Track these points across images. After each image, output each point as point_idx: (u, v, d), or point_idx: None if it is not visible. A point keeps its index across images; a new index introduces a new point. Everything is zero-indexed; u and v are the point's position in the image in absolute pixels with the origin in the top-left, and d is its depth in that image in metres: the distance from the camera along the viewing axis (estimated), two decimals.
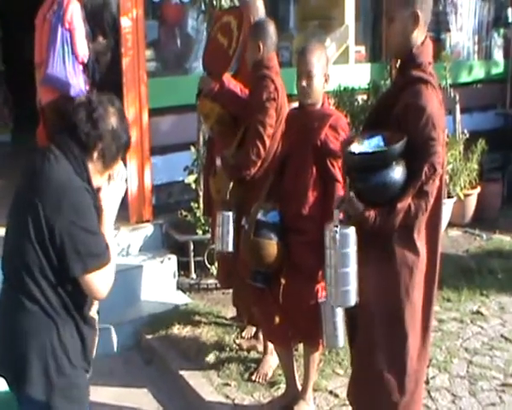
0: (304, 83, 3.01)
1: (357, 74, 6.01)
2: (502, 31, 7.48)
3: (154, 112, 4.93)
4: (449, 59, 5.86)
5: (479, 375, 3.70)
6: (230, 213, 3.51)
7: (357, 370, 2.70)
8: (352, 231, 2.35)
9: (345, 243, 2.34)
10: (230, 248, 3.55)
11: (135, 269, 4.62)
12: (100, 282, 2.16)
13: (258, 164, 3.42)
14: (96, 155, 2.18)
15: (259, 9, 3.89)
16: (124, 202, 4.84)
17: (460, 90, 6.22)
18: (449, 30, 6.92)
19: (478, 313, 4.43)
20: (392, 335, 2.52)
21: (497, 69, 7.34)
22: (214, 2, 4.43)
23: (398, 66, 2.58)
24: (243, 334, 4.14)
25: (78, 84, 4.70)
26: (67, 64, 4.63)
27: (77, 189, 2.10)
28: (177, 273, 4.79)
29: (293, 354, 3.40)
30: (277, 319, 3.24)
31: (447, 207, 5.56)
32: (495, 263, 5.10)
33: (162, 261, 4.70)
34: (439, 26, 6.83)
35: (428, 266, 2.54)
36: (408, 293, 2.49)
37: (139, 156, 4.83)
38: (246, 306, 3.81)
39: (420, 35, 2.43)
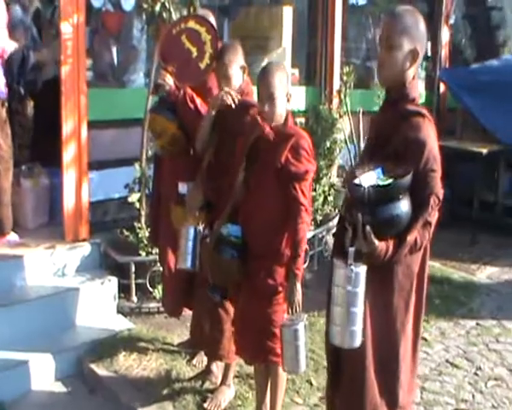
0: (266, 107, 2.93)
1: (294, 97, 5.95)
2: (424, 64, 7.81)
3: (92, 124, 4.65)
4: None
5: (433, 401, 3.77)
6: (198, 228, 3.36)
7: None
8: (364, 270, 2.30)
9: (357, 281, 2.28)
10: (196, 267, 3.39)
11: (72, 291, 4.32)
12: None
13: None
14: None
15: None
16: (59, 219, 4.62)
17: None
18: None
19: (422, 338, 4.49)
20: (386, 371, 2.49)
21: (421, 100, 7.61)
22: (164, 15, 4.25)
23: (387, 97, 2.53)
24: (194, 361, 3.96)
25: None
26: None
27: None
28: (117, 296, 4.52)
29: (267, 374, 3.26)
30: (238, 336, 3.20)
31: None
32: (430, 289, 5.19)
33: (102, 283, 4.41)
34: (369, 54, 7.02)
35: (417, 297, 2.54)
36: (404, 326, 2.48)
37: (77, 171, 4.53)
38: (201, 329, 3.65)
39: (413, 71, 2.43)
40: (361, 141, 6.22)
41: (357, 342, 2.35)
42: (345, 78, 5.84)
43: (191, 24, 3.60)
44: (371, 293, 2.36)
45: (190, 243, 3.34)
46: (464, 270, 5.95)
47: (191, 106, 3.51)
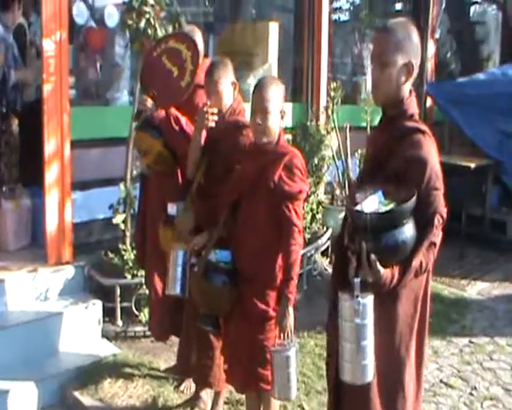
0: (259, 120, 2.83)
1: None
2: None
3: (75, 144, 4.53)
4: (369, 102, 5.96)
5: None
6: (184, 252, 3.22)
7: None
8: (371, 300, 2.19)
9: (365, 313, 2.17)
10: (186, 294, 3.25)
11: (55, 316, 4.17)
12: None
13: None
14: None
15: (198, 42, 3.68)
16: (41, 241, 4.48)
17: None
18: (364, 74, 7.10)
19: None
20: (391, 400, 2.38)
21: None
22: (149, 32, 4.16)
23: (384, 115, 2.44)
24: (181, 388, 3.84)
25: None
26: None
27: None
28: (101, 320, 4.38)
29: (258, 401, 3.14)
30: (228, 364, 3.09)
31: None
32: None
33: (87, 307, 4.28)
34: (355, 69, 6.99)
35: (420, 319, 2.43)
36: (408, 352, 2.38)
37: (59, 191, 4.40)
38: (189, 355, 3.53)
39: (409, 85, 2.35)
40: (348, 157, 6.16)
41: (370, 377, 2.24)
42: (332, 93, 5.79)
43: (171, 43, 3.54)
44: (374, 321, 2.25)
45: (179, 269, 3.20)
46: (455, 286, 5.89)
47: (176, 127, 3.43)
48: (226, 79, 3.25)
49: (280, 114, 2.90)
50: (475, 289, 5.93)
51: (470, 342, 4.78)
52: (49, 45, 4.27)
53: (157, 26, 4.09)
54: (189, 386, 3.83)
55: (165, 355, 4.26)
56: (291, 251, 2.81)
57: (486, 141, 6.83)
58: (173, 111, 3.44)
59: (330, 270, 5.88)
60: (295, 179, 2.84)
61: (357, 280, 2.17)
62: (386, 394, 2.37)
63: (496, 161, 6.94)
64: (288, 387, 2.80)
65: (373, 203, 2.21)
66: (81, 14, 5.05)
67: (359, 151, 6.00)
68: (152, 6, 4.08)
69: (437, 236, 2.27)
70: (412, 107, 2.36)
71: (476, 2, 10.14)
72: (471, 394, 4.05)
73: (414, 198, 2.16)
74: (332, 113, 5.83)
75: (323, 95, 6.21)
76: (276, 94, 2.87)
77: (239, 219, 2.96)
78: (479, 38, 9.31)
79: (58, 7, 4.25)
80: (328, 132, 5.83)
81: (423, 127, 2.33)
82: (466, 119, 6.91)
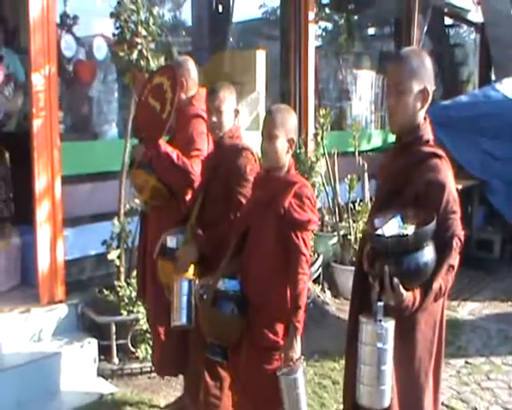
0: (265, 144, 2.83)
1: None
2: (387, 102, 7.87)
3: (65, 179, 4.46)
4: (357, 128, 6.00)
5: None
6: (192, 282, 3.15)
7: None
8: (392, 325, 2.19)
9: (387, 337, 2.17)
10: (192, 323, 3.17)
11: (50, 357, 4.06)
12: None
13: None
14: None
15: (191, 71, 3.69)
16: (32, 280, 4.38)
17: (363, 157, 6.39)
18: (350, 99, 7.16)
19: None
20: None
21: (391, 138, 7.67)
22: (141, 63, 4.13)
23: (399, 142, 2.45)
24: None
25: None
26: None
27: None
28: (97, 359, 4.29)
29: None
30: (237, 395, 3.04)
31: None
32: None
33: (82, 346, 4.18)
34: (341, 95, 7.04)
35: (438, 343, 2.43)
36: (427, 377, 2.38)
37: (51, 229, 4.32)
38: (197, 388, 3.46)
39: (424, 111, 2.38)
40: (337, 183, 6.19)
41: (388, 402, 2.23)
42: (321, 120, 5.81)
43: (156, 80, 3.55)
44: (394, 346, 2.25)
45: (184, 298, 3.12)
46: (446, 307, 5.89)
47: (165, 164, 3.41)
48: (230, 102, 3.23)
49: (288, 143, 2.86)
50: (466, 310, 5.97)
51: (466, 362, 4.78)
52: (38, 80, 4.21)
53: (149, 57, 4.05)
54: None
55: (164, 392, 4.18)
56: (298, 280, 2.77)
57: (471, 162, 6.92)
58: (163, 147, 3.41)
59: (323, 297, 5.87)
60: (305, 209, 2.81)
61: (380, 304, 2.16)
62: None
63: (481, 182, 7.02)
64: (299, 409, 2.76)
65: (393, 227, 2.22)
66: (70, 47, 5.01)
67: (349, 176, 6.04)
68: (144, 37, 4.04)
69: (455, 258, 2.28)
70: (428, 132, 2.39)
71: (455, 25, 10.34)
72: None
73: (435, 221, 2.17)
74: (322, 139, 5.85)
75: (311, 121, 6.24)
76: (284, 121, 2.84)
77: (247, 248, 2.92)
78: (458, 60, 9.48)
79: (46, 40, 4.21)
80: (317, 159, 5.85)
81: (440, 152, 2.35)
82: (451, 140, 7.00)
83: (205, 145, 3.52)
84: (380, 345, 2.16)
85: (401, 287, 2.13)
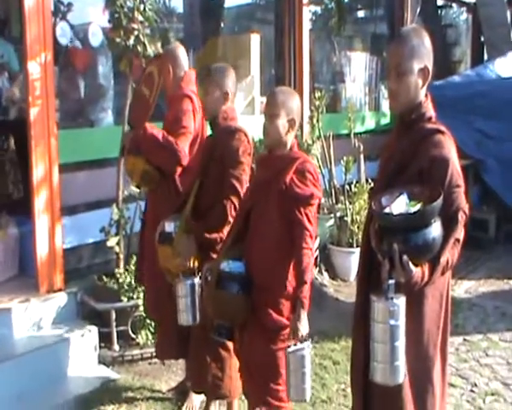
0: (266, 123, 2.85)
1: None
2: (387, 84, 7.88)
3: (63, 168, 4.44)
4: (352, 109, 6.00)
5: None
6: (195, 280, 3.18)
7: None
8: (403, 301, 2.20)
9: (398, 314, 2.18)
10: (198, 319, 3.21)
11: (51, 346, 4.07)
12: None
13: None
14: None
15: (179, 58, 3.72)
16: (30, 270, 4.38)
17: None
18: (344, 81, 7.15)
19: None
20: (422, 399, 2.40)
21: (385, 120, 7.72)
22: (138, 48, 4.11)
23: (402, 121, 2.47)
24: (183, 408, 3.78)
25: None
26: None
27: None
28: (98, 346, 4.30)
29: None
30: (243, 376, 3.06)
31: (357, 255, 5.63)
32: None
33: (83, 335, 4.18)
34: (335, 77, 7.03)
35: (445, 317, 2.47)
36: (435, 350, 2.41)
37: (49, 217, 4.30)
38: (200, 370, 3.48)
39: (425, 89, 2.40)
40: (333, 165, 6.19)
41: (401, 378, 2.26)
42: (317, 102, 5.81)
43: (148, 69, 3.71)
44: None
45: (189, 299, 3.17)
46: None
47: (152, 145, 3.46)
48: (217, 83, 3.23)
49: (287, 123, 2.86)
50: (463, 288, 6.02)
51: (465, 340, 4.84)
52: (33, 68, 4.17)
53: (146, 42, 4.04)
54: (191, 406, 3.78)
55: (166, 377, 4.20)
56: (303, 255, 2.76)
57: (466, 141, 6.92)
58: (148, 129, 3.47)
59: (320, 279, 5.89)
60: (307, 183, 2.81)
61: (391, 282, 2.18)
62: (417, 392, 2.40)
63: (476, 161, 7.03)
64: (303, 388, 2.75)
65: (400, 205, 2.24)
66: (65, 34, 4.97)
67: (345, 158, 6.05)
68: (141, 22, 4.02)
69: (460, 232, 2.30)
70: (429, 109, 2.41)
71: (447, 6, 10.32)
72: (472, 391, 4.10)
73: (441, 196, 2.18)
74: (317, 121, 5.85)
75: (306, 104, 6.23)
76: (285, 101, 2.84)
77: (251, 228, 2.92)
78: (451, 40, 9.47)
79: (42, 28, 4.17)
80: (313, 142, 5.84)
81: (442, 128, 2.37)
82: (445, 120, 6.98)
83: (191, 123, 3.55)
84: (392, 322, 2.18)
85: (410, 264, 2.15)
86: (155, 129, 3.48)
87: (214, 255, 3.15)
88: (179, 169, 3.53)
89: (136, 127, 3.54)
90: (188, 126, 3.51)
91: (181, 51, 3.76)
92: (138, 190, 3.73)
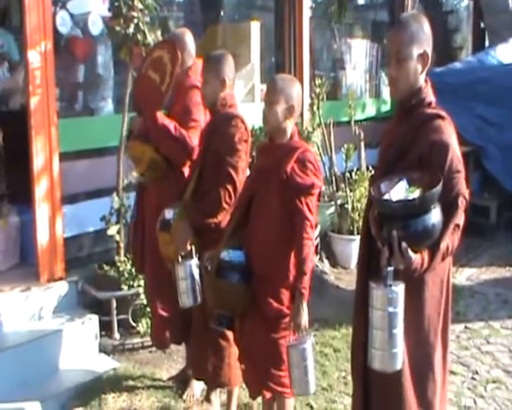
0: (265, 109, 2.86)
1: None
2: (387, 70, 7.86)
3: (63, 156, 4.43)
4: (353, 96, 5.97)
5: None
6: (193, 261, 3.17)
7: None
8: (402, 288, 2.19)
9: (397, 301, 2.17)
10: (199, 300, 3.21)
11: (51, 335, 4.06)
12: None
13: (228, 210, 3.15)
14: None
15: (188, 44, 3.69)
16: (31, 259, 4.38)
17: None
18: (344, 68, 7.12)
19: None
20: (422, 385, 2.40)
21: (386, 107, 7.69)
22: (138, 37, 4.09)
23: (402, 106, 2.46)
24: (184, 396, 3.79)
25: None
26: None
27: None
28: (98, 335, 4.30)
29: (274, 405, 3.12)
30: (244, 365, 3.06)
31: (357, 243, 5.62)
32: None
33: (83, 323, 4.19)
34: (335, 64, 7.00)
35: (445, 303, 2.46)
36: (436, 336, 2.41)
37: (50, 206, 4.30)
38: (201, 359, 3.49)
39: (424, 74, 2.39)
40: (333, 152, 6.18)
41: (400, 365, 2.25)
42: (317, 90, 5.79)
43: (155, 53, 3.58)
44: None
45: (189, 281, 3.16)
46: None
47: (163, 135, 3.42)
48: (214, 70, 3.21)
49: (286, 110, 2.85)
50: (464, 276, 6.03)
51: (466, 327, 4.85)
52: (34, 57, 4.15)
53: (146, 30, 4.02)
54: (191, 394, 3.80)
55: (166, 365, 4.22)
56: (303, 245, 2.76)
57: (466, 127, 6.89)
58: (160, 119, 3.42)
59: (321, 267, 5.89)
60: (308, 173, 2.81)
61: (390, 269, 2.17)
62: (418, 379, 2.40)
63: (476, 147, 7.01)
64: (306, 381, 2.76)
65: (400, 191, 2.22)
66: (65, 23, 4.94)
67: (345, 146, 6.03)
68: (140, 10, 4.00)
69: (461, 217, 2.29)
70: (429, 94, 2.40)
71: None
72: (473, 378, 4.11)
73: (441, 182, 2.17)
74: (318, 109, 5.83)
75: (306, 91, 6.20)
76: (284, 88, 2.84)
77: (252, 217, 2.93)
78: (452, 27, 9.42)
79: (42, 17, 4.14)
80: (313, 129, 5.83)
81: (442, 113, 2.36)
82: (446, 106, 6.96)
83: (201, 115, 3.52)
84: (391, 309, 2.17)
85: (410, 250, 2.14)
86: (166, 119, 3.45)
87: (210, 241, 3.12)
88: (188, 162, 3.52)
89: (147, 116, 3.47)
90: (199, 120, 3.50)
91: (190, 37, 3.73)
92: (141, 178, 3.70)
